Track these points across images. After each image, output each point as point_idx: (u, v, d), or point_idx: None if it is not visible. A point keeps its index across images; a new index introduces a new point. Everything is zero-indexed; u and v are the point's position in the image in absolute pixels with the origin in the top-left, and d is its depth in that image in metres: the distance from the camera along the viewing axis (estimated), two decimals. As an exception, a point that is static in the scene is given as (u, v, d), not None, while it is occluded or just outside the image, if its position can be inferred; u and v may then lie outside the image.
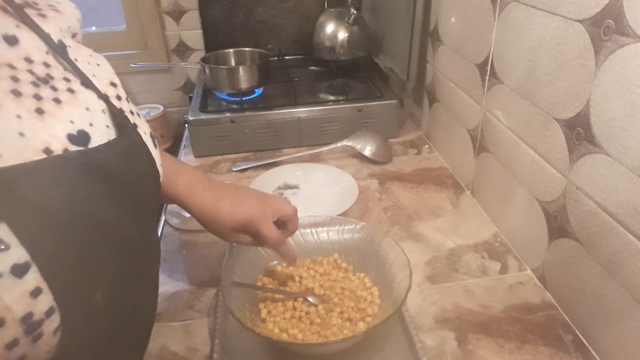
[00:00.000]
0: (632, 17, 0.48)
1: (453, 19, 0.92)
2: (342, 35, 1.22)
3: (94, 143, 0.36)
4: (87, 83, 0.39)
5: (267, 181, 0.95)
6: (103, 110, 0.39)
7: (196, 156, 1.08)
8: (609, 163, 0.54)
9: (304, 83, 1.24)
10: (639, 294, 0.51)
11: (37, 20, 0.37)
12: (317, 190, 0.93)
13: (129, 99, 0.44)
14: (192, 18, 1.37)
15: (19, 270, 0.29)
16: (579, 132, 0.58)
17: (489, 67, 0.79)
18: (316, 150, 1.03)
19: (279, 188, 0.94)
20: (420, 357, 0.57)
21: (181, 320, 0.66)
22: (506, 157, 0.77)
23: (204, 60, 1.14)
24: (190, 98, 1.17)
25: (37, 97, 0.34)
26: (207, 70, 1.11)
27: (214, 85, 1.13)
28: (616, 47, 0.51)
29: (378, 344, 0.60)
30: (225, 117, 1.05)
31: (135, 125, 0.42)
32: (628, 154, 0.51)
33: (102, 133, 0.37)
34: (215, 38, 1.40)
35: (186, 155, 1.09)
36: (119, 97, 0.42)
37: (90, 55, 0.43)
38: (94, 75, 0.40)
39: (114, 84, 0.42)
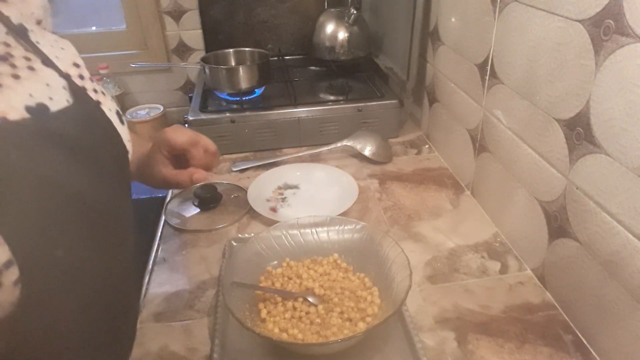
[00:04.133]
0: (632, 17, 0.48)
1: (453, 19, 0.92)
2: (342, 35, 1.22)
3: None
4: (48, 62, 0.40)
5: (267, 181, 0.95)
6: (64, 87, 0.40)
7: (196, 156, 1.07)
8: (609, 163, 0.54)
9: (304, 83, 1.24)
10: (639, 294, 0.51)
11: None
12: (317, 190, 0.93)
13: (92, 80, 0.45)
14: (192, 18, 1.37)
15: None
16: (579, 132, 0.58)
17: (489, 67, 0.79)
18: (316, 150, 1.03)
19: (279, 188, 0.94)
20: (420, 357, 0.57)
21: (181, 320, 0.66)
22: (506, 157, 0.77)
23: (204, 60, 1.14)
24: (190, 98, 1.17)
25: None
26: (207, 70, 1.11)
27: (214, 85, 1.13)
28: (616, 47, 0.51)
29: (378, 344, 0.60)
30: (225, 117, 1.05)
31: (98, 102, 0.44)
32: (628, 154, 0.51)
33: (61, 106, 0.38)
34: (215, 38, 1.40)
35: (186, 155, 1.08)
36: (81, 77, 0.43)
37: (55, 41, 0.44)
38: (56, 57, 0.41)
39: (77, 65, 0.44)
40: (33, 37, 0.40)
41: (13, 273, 0.31)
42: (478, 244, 0.79)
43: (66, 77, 0.41)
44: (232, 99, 1.13)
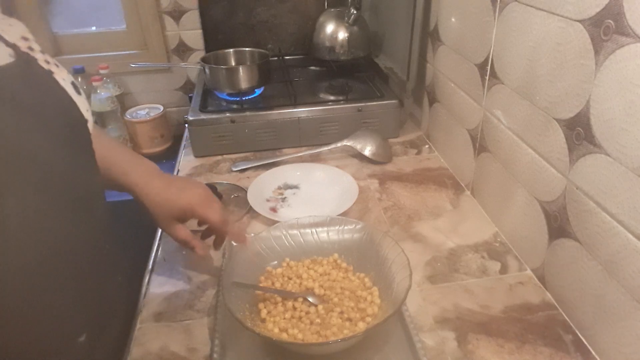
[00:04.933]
0: (632, 17, 0.48)
1: (453, 19, 0.92)
2: (342, 35, 1.22)
3: None
4: None
5: (267, 181, 0.95)
6: (10, 55, 0.40)
7: (196, 156, 1.08)
8: (609, 163, 0.54)
9: (304, 83, 1.24)
10: (639, 294, 0.51)
11: None
12: (317, 190, 0.93)
13: (44, 52, 0.45)
14: (192, 18, 1.37)
15: None
16: (579, 132, 0.58)
17: (489, 67, 0.79)
18: (316, 150, 1.03)
19: (279, 188, 0.94)
20: (420, 357, 0.57)
21: (181, 320, 0.66)
22: (506, 157, 0.77)
23: (204, 60, 1.14)
24: (190, 98, 1.17)
25: None
26: (207, 70, 1.11)
27: (214, 85, 1.13)
28: (616, 47, 0.51)
29: (378, 344, 0.60)
30: (225, 117, 1.05)
31: (50, 72, 0.43)
32: (628, 154, 0.51)
33: (3, 62, 0.38)
34: (215, 38, 1.40)
35: (186, 155, 1.09)
36: (31, 48, 0.43)
37: (2, 19, 0.44)
38: (2, 30, 0.41)
39: (25, 39, 0.43)
40: None
41: None
42: (478, 244, 0.79)
43: (13, 46, 0.41)
44: (232, 99, 1.13)
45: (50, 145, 0.40)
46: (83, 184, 0.46)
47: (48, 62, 0.44)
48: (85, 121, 0.46)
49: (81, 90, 0.47)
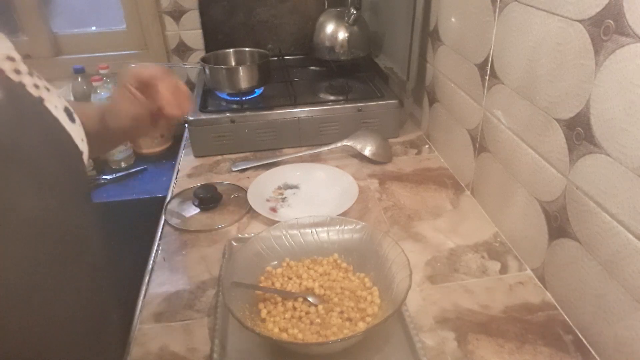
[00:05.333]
0: (632, 17, 0.48)
1: (453, 19, 0.92)
2: (342, 35, 1.22)
3: None
4: None
5: (267, 181, 0.95)
6: None
7: (196, 156, 1.08)
8: (609, 163, 0.54)
9: (304, 83, 1.24)
10: (639, 294, 0.51)
11: None
12: (317, 190, 0.93)
13: (33, 74, 0.41)
14: (192, 18, 1.37)
15: None
16: (579, 132, 0.58)
17: (489, 67, 0.79)
18: (316, 150, 1.03)
19: (279, 188, 0.94)
20: (420, 357, 0.57)
21: (181, 320, 0.66)
22: (506, 157, 0.77)
23: (204, 60, 1.14)
24: (190, 98, 1.17)
25: None
26: (207, 70, 1.11)
27: (214, 85, 1.13)
28: (616, 47, 0.51)
29: (378, 344, 0.60)
30: (225, 117, 1.05)
31: (40, 99, 0.39)
32: (628, 154, 0.51)
33: None
34: (215, 38, 1.40)
35: (186, 155, 1.09)
36: (17, 71, 0.39)
37: None
38: None
39: (11, 59, 0.39)
40: None
41: None
42: (478, 244, 0.79)
43: None
44: (232, 99, 1.13)
45: (37, 194, 0.36)
46: (73, 228, 0.42)
47: (37, 87, 0.40)
48: (80, 154, 0.42)
49: (75, 117, 0.43)
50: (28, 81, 0.39)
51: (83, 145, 0.43)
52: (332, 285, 0.65)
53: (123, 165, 1.27)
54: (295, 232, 0.71)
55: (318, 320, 0.60)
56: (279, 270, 0.68)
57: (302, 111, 1.07)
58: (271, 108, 1.08)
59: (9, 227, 0.33)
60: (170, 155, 1.31)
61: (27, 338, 0.35)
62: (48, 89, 0.41)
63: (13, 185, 0.34)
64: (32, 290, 0.35)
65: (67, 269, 0.40)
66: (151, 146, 1.34)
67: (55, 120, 0.39)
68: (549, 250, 0.67)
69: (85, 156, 0.43)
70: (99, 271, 0.46)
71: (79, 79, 1.32)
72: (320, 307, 0.62)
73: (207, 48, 1.40)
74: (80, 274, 0.42)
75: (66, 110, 0.42)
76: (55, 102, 0.41)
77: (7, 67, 0.38)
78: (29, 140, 0.36)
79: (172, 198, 0.93)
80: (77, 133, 0.42)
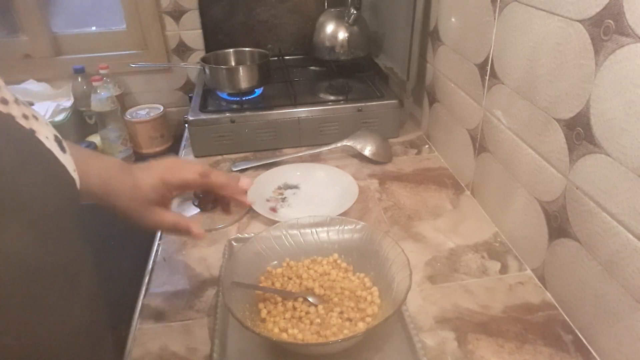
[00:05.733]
0: (632, 17, 0.48)
1: (453, 19, 0.92)
2: (342, 35, 1.22)
3: None
4: None
5: (267, 181, 0.95)
6: None
7: (196, 156, 1.08)
8: (609, 163, 0.54)
9: (304, 83, 1.24)
10: (639, 294, 0.51)
11: None
12: (317, 190, 0.93)
13: (19, 101, 0.37)
14: (192, 18, 1.37)
15: None
16: (579, 132, 0.58)
17: (489, 67, 0.79)
18: (316, 150, 1.03)
19: (279, 188, 0.94)
20: (420, 357, 0.57)
21: (181, 320, 0.66)
22: (506, 157, 0.77)
23: (204, 60, 1.14)
24: (190, 98, 1.17)
25: None
26: (207, 70, 1.11)
27: (214, 85, 1.13)
28: (616, 47, 0.51)
29: (378, 344, 0.60)
30: (225, 117, 1.05)
31: (32, 131, 0.36)
32: (628, 154, 0.51)
33: None
34: (215, 38, 1.40)
35: (186, 155, 1.09)
36: (4, 101, 0.35)
37: None
38: None
39: None
40: None
41: None
42: (478, 244, 0.79)
43: None
44: (232, 99, 1.13)
45: (40, 237, 0.34)
46: (71, 261, 0.40)
47: (27, 117, 0.36)
48: (74, 184, 0.39)
49: (65, 146, 0.40)
50: (16, 112, 0.36)
51: (75, 175, 0.40)
52: (332, 285, 0.65)
53: (123, 165, 1.27)
54: (295, 232, 0.71)
55: (318, 320, 0.60)
56: (279, 270, 0.68)
57: (302, 111, 1.07)
58: (271, 108, 1.08)
59: (5, 272, 0.31)
60: (170, 155, 1.31)
61: None
62: (37, 118, 0.38)
63: (11, 233, 0.32)
64: (26, 325, 0.34)
65: (61, 302, 0.38)
66: (151, 146, 1.34)
67: (49, 152, 0.36)
68: (549, 250, 0.67)
69: (77, 184, 0.40)
70: (95, 297, 0.44)
71: (79, 79, 1.32)
72: (320, 307, 0.62)
73: (207, 48, 1.40)
74: (75, 304, 0.40)
75: (56, 139, 0.39)
76: (46, 132, 0.37)
77: None
78: (27, 180, 0.33)
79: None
80: (69, 163, 0.39)
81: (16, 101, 0.36)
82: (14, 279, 0.32)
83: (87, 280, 0.42)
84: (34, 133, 0.35)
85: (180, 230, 0.61)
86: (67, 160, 0.38)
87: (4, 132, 0.33)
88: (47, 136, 0.37)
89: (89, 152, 0.58)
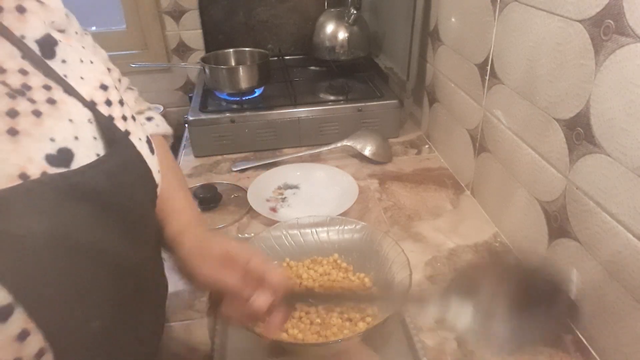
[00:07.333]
0: (632, 17, 0.48)
1: (453, 19, 0.92)
2: (342, 35, 1.22)
3: (78, 160, 0.32)
4: (70, 90, 0.35)
5: (267, 181, 0.95)
6: (89, 120, 0.35)
7: (196, 156, 1.08)
8: (609, 163, 0.54)
9: (304, 83, 1.24)
10: (639, 294, 0.51)
11: (10, 19, 0.33)
12: (317, 190, 0.93)
13: (122, 102, 0.39)
14: (192, 18, 1.37)
15: (1, 314, 0.26)
16: (579, 132, 0.58)
17: (489, 67, 0.79)
18: (316, 150, 1.03)
19: (279, 188, 0.94)
20: (420, 357, 0.56)
21: (181, 320, 0.66)
22: (506, 157, 0.77)
23: (204, 60, 1.14)
24: (190, 98, 1.17)
25: (12, 114, 0.30)
26: (207, 70, 1.11)
27: (214, 85, 1.13)
28: (616, 47, 0.51)
29: (378, 344, 0.60)
30: (225, 117, 1.05)
31: (127, 133, 0.38)
32: (628, 154, 0.51)
33: (88, 147, 0.34)
34: (215, 38, 1.40)
35: (186, 155, 1.09)
36: (108, 102, 0.38)
37: (83, 47, 0.39)
38: (81, 78, 0.36)
39: (104, 87, 0.38)
40: (60, 53, 0.35)
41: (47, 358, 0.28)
42: (478, 244, 0.79)
43: (91, 106, 0.35)
44: (232, 99, 1.13)
45: (124, 236, 0.36)
46: (154, 269, 0.43)
47: (125, 118, 0.38)
48: (156, 187, 0.40)
49: (154, 147, 0.41)
50: (117, 113, 0.38)
51: (158, 177, 0.41)
52: (332, 285, 0.65)
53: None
54: (295, 232, 0.71)
55: (318, 320, 0.60)
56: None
57: (302, 111, 1.07)
58: (271, 108, 1.08)
59: (100, 265, 0.33)
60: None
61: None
62: (133, 118, 0.40)
63: (108, 230, 0.34)
64: (112, 313, 0.35)
65: (139, 312, 0.40)
66: (151, 146, 1.34)
67: (138, 155, 0.38)
68: (549, 250, 0.67)
69: (159, 189, 0.41)
70: (161, 296, 0.46)
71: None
72: (320, 307, 0.62)
73: (207, 48, 1.40)
74: (150, 300, 0.42)
75: (147, 140, 0.40)
76: (139, 133, 0.39)
77: (99, 99, 0.37)
78: (120, 187, 0.35)
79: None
80: (154, 165, 0.40)
81: (120, 102, 0.38)
82: (107, 271, 0.34)
83: (160, 277, 0.43)
84: (128, 135, 0.37)
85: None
86: (153, 162, 0.40)
87: (107, 131, 0.35)
88: (140, 137, 0.39)
89: (179, 175, 0.55)
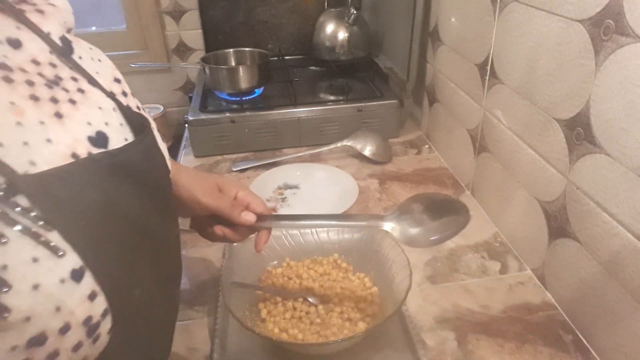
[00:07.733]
0: (632, 17, 0.48)
1: (453, 19, 0.92)
2: (342, 35, 1.22)
3: (112, 143, 0.35)
4: (93, 82, 0.37)
5: (267, 181, 0.95)
6: (114, 109, 0.38)
7: (196, 156, 1.08)
8: (609, 163, 0.54)
9: (304, 83, 1.24)
10: (639, 294, 0.51)
11: (35, 17, 0.35)
12: (317, 190, 0.93)
13: (133, 94, 0.43)
14: (192, 18, 1.37)
15: (76, 275, 0.29)
16: (579, 132, 0.58)
17: (489, 67, 0.79)
18: (316, 150, 1.03)
19: (279, 188, 0.94)
20: (420, 357, 0.57)
21: (181, 320, 0.66)
22: (506, 157, 0.77)
23: (204, 60, 1.14)
24: (190, 98, 1.17)
25: (54, 100, 0.33)
26: (207, 70, 1.11)
27: (214, 85, 1.13)
28: (616, 47, 0.51)
29: (378, 344, 0.60)
30: (225, 117, 1.05)
31: (148, 121, 0.41)
32: (628, 154, 0.51)
33: (117, 132, 0.37)
34: (215, 38, 1.40)
35: (186, 155, 1.09)
36: (124, 94, 0.41)
37: (90, 49, 0.42)
38: (97, 73, 0.39)
39: (117, 80, 0.41)
40: (77, 51, 0.38)
41: (108, 322, 0.31)
42: (478, 244, 0.79)
43: (111, 96, 0.38)
44: (232, 99, 1.13)
45: (162, 218, 0.40)
46: (177, 246, 0.46)
47: (139, 109, 0.42)
48: (169, 172, 0.44)
49: (162, 137, 0.45)
50: (132, 103, 0.41)
51: (169, 164, 0.45)
52: (332, 285, 0.65)
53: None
54: (295, 232, 0.71)
55: (318, 320, 0.60)
56: (279, 270, 0.68)
57: (302, 111, 1.07)
58: (271, 108, 1.08)
59: (142, 241, 0.37)
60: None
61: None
62: (144, 110, 0.43)
63: (150, 212, 0.38)
64: (149, 280, 0.38)
65: (168, 287, 0.44)
66: (151, 146, 1.34)
67: (154, 140, 0.41)
68: (549, 250, 0.67)
69: (170, 169, 0.45)
70: (176, 296, 0.49)
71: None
72: (320, 307, 0.62)
73: (207, 48, 1.40)
74: (170, 298, 0.45)
75: (157, 130, 0.44)
76: (153, 123, 0.43)
77: (116, 90, 0.40)
78: (151, 167, 0.39)
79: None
80: (165, 151, 0.44)
81: (132, 95, 0.42)
82: (145, 243, 0.37)
83: (179, 255, 0.47)
84: (149, 123, 0.41)
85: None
86: (164, 148, 0.44)
87: (130, 118, 0.38)
88: (153, 127, 0.42)
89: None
